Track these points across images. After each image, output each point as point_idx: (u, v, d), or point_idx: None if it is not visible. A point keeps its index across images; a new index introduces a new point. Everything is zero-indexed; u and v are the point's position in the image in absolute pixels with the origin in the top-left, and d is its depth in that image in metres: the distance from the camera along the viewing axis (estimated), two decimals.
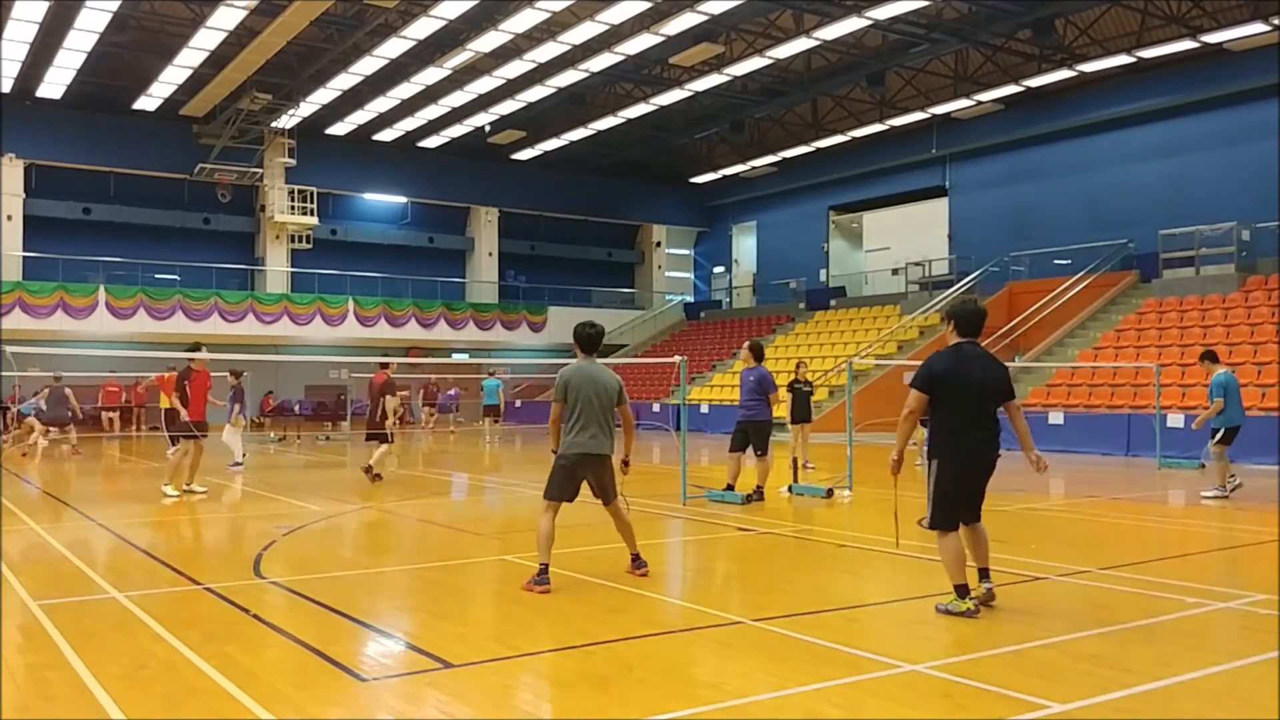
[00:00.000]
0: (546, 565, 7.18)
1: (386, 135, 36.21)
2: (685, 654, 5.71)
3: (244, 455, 17.69)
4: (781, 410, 19.08)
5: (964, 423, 6.51)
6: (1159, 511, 12.47)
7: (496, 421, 25.73)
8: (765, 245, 42.36)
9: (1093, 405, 22.12)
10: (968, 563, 6.53)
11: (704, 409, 29.36)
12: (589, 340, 7.73)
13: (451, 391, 33.16)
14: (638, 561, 7.68)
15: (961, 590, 6.43)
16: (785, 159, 37.97)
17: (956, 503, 6.56)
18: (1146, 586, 7.39)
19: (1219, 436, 12.86)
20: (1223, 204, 25.72)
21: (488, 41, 26.17)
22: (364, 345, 35.78)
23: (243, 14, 24.16)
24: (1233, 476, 12.96)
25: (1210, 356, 13.47)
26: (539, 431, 30.27)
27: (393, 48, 27.39)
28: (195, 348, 13.66)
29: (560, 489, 7.46)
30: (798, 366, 18.28)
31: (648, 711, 4.55)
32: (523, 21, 24.91)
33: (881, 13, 24.44)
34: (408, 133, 35.99)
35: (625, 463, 7.77)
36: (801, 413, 16.65)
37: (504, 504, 13.78)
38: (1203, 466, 14.81)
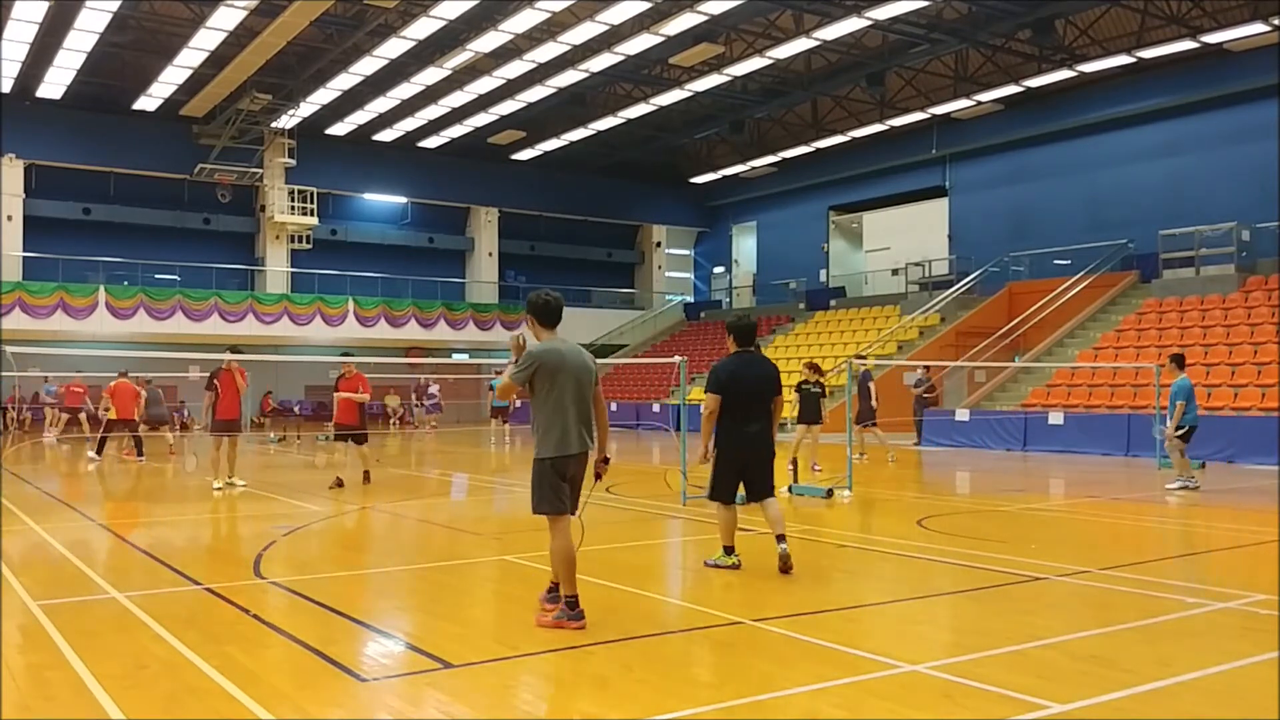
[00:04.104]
0: (574, 597, 5.94)
1: (386, 135, 36.22)
2: (685, 654, 5.70)
3: None
4: (789, 410, 18.97)
5: (740, 418, 7.56)
6: (1159, 511, 12.46)
7: (505, 423, 25.62)
8: (765, 245, 42.36)
9: (1093, 405, 22.11)
10: (737, 528, 7.81)
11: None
12: (549, 310, 6.17)
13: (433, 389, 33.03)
14: (553, 596, 6.05)
15: (729, 550, 7.75)
16: (785, 159, 37.97)
17: (732, 482, 7.68)
18: (1146, 586, 7.39)
19: (1180, 434, 13.57)
20: (1223, 204, 25.71)
21: (488, 41, 26.18)
22: (364, 345, 35.76)
23: (243, 14, 24.18)
24: (1192, 477, 13.52)
25: (1178, 361, 14.13)
26: None
27: (393, 48, 27.40)
28: (234, 349, 14.61)
29: (557, 497, 6.02)
30: (807, 368, 18.14)
31: (648, 711, 4.54)
32: (523, 21, 24.93)
33: (881, 13, 24.44)
34: (408, 133, 36.00)
35: (604, 461, 6.31)
36: (809, 413, 16.53)
37: (504, 504, 13.77)
38: (1203, 466, 14.80)
